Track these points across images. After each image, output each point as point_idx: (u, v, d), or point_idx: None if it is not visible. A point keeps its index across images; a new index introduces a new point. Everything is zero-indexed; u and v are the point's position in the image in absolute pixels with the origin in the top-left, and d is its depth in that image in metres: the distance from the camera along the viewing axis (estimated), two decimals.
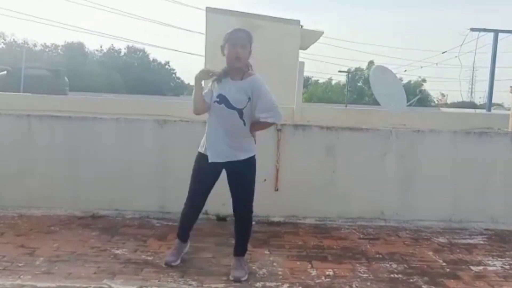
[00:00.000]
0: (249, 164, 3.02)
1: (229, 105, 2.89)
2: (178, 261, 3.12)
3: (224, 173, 3.09)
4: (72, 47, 46.55)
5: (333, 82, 49.46)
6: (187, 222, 3.23)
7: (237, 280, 2.90)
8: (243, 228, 3.13)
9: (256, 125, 2.99)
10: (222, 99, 2.91)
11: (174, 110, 6.57)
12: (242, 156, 2.98)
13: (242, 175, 3.02)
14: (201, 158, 3.06)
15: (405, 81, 42.52)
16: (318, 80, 49.63)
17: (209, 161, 2.98)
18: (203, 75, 2.97)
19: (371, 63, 44.89)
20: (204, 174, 3.07)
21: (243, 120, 2.92)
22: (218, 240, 3.61)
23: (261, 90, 2.90)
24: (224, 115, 2.92)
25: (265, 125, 3.04)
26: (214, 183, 3.10)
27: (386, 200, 4.44)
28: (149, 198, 4.34)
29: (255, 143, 3.08)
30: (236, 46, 2.85)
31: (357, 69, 46.55)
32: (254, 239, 3.73)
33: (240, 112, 2.90)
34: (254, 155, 3.05)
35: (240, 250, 3.11)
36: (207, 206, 4.25)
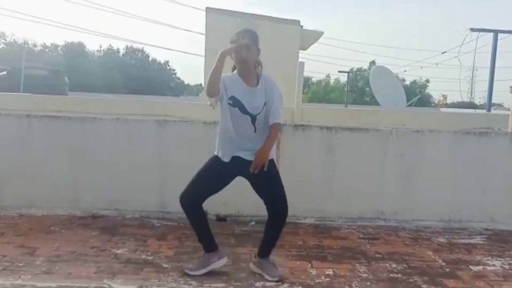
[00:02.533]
0: (271, 164, 2.91)
1: (244, 111, 2.86)
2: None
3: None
4: (72, 47, 46.56)
5: (331, 82, 49.50)
6: (201, 227, 3.05)
7: (281, 279, 2.90)
8: (280, 227, 3.00)
9: (264, 155, 2.84)
10: (236, 103, 2.85)
11: (174, 110, 6.58)
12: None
13: (267, 174, 2.88)
14: (218, 160, 2.97)
15: (408, 81, 42.54)
16: (319, 80, 49.67)
17: (225, 160, 2.90)
18: (232, 49, 2.80)
19: (372, 63, 44.93)
20: (214, 174, 2.97)
21: (255, 127, 2.88)
22: (218, 240, 3.58)
23: (274, 94, 2.89)
24: (237, 118, 2.86)
25: (272, 132, 2.90)
26: (220, 189, 3.00)
27: (386, 200, 4.45)
28: (149, 198, 4.34)
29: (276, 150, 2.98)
30: (241, 50, 2.82)
31: (358, 70, 46.56)
32: (254, 238, 3.74)
33: (254, 118, 2.87)
34: (273, 159, 2.97)
35: (269, 251, 3.05)
36: (207, 206, 4.27)
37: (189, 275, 2.94)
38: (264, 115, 2.89)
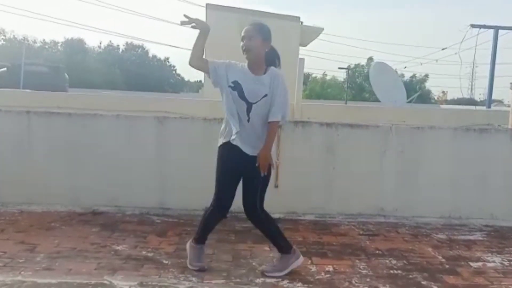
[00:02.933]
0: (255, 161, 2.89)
1: (242, 96, 2.85)
2: (206, 266, 3.02)
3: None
4: (71, 43, 46.48)
5: (328, 78, 49.41)
6: (214, 223, 3.09)
7: (263, 274, 2.95)
8: (263, 228, 3.08)
9: (266, 154, 2.86)
10: (237, 86, 2.86)
11: (174, 107, 6.58)
12: (250, 151, 2.89)
13: (253, 170, 2.88)
14: (231, 148, 2.89)
15: (407, 76, 42.49)
16: (315, 76, 49.58)
17: (237, 145, 2.87)
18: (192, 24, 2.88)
19: (370, 59, 44.82)
20: (234, 164, 2.92)
21: (248, 117, 2.85)
22: (219, 237, 3.61)
23: (278, 89, 2.86)
24: (234, 102, 2.87)
25: (270, 131, 2.88)
26: (240, 177, 2.98)
27: (385, 197, 4.45)
28: (149, 194, 4.35)
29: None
30: (243, 39, 2.87)
31: (356, 66, 46.46)
32: (254, 235, 3.74)
33: (249, 107, 2.84)
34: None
35: (278, 246, 3.07)
36: (207, 202, 4.28)
37: (189, 271, 2.94)
38: (261, 108, 2.86)
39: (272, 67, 2.94)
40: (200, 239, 3.08)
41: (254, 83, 2.87)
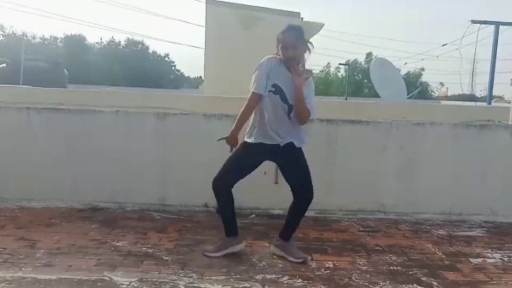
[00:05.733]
0: (301, 151, 3.13)
1: (285, 100, 2.97)
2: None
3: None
4: (71, 39, 46.39)
5: (331, 73, 49.38)
6: (229, 210, 3.18)
7: (305, 260, 3.09)
8: (304, 211, 3.20)
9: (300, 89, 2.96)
10: (278, 91, 2.96)
11: (174, 103, 6.57)
12: (296, 142, 3.08)
13: (295, 159, 3.09)
14: (249, 147, 3.07)
15: (403, 71, 42.46)
16: (316, 73, 49.51)
17: (256, 142, 3.03)
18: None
19: (369, 55, 44.75)
20: (246, 160, 3.09)
21: (289, 117, 3.01)
22: (219, 233, 3.61)
23: (310, 88, 3.07)
24: (275, 106, 2.98)
25: (304, 107, 3.00)
26: (249, 172, 3.12)
27: (386, 193, 4.45)
28: (149, 190, 4.34)
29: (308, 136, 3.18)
30: (288, 49, 2.94)
31: (353, 62, 46.38)
32: (254, 231, 3.75)
33: (290, 108, 2.98)
34: (301, 148, 3.14)
35: (291, 234, 3.24)
36: (207, 198, 4.29)
37: (189, 268, 2.94)
38: None
39: (310, 79, 3.09)
40: (226, 230, 3.22)
41: (294, 86, 2.96)
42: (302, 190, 3.12)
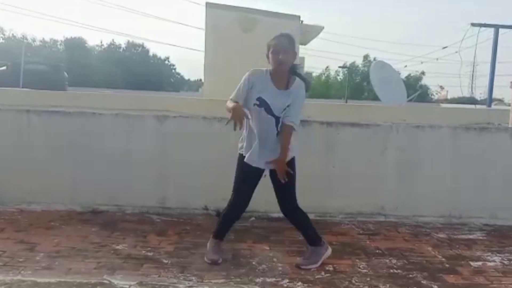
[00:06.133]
0: (291, 164, 3.06)
1: (269, 111, 2.93)
2: (221, 259, 3.11)
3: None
4: (72, 42, 46.47)
5: (331, 76, 49.48)
6: (229, 222, 3.21)
7: (298, 266, 3.07)
8: (299, 224, 3.21)
9: (283, 161, 2.98)
10: (263, 103, 2.93)
11: (174, 106, 6.58)
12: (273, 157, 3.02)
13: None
14: (243, 159, 3.04)
15: (404, 74, 42.56)
16: (318, 75, 49.57)
17: (250, 163, 3.00)
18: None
19: (366, 57, 44.80)
20: (247, 175, 3.07)
21: (277, 129, 2.97)
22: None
23: (299, 101, 3.00)
24: (262, 120, 2.95)
25: (284, 136, 3.00)
26: (257, 183, 3.12)
27: (386, 196, 4.44)
28: (149, 193, 4.34)
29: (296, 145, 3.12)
30: (278, 53, 2.90)
31: (352, 64, 46.45)
32: (254, 234, 3.74)
33: (277, 120, 2.95)
34: (294, 157, 3.11)
35: (311, 241, 3.21)
36: (207, 201, 4.29)
37: (189, 271, 2.94)
38: (284, 115, 2.97)
39: (297, 78, 3.03)
40: (217, 234, 3.20)
41: (280, 98, 2.95)
42: (281, 200, 3.13)
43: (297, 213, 3.18)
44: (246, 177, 3.07)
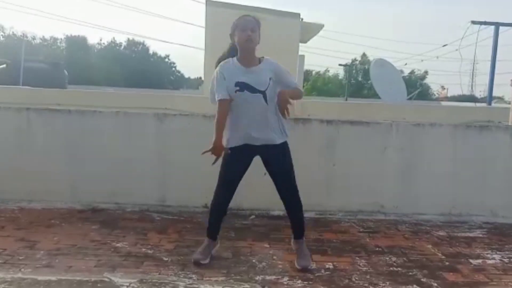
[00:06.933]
0: (284, 148, 3.07)
1: (253, 90, 2.90)
2: (207, 260, 3.06)
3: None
4: (73, 40, 46.42)
5: (326, 75, 49.43)
6: (216, 218, 3.16)
7: (304, 268, 2.99)
8: (295, 214, 3.18)
9: (288, 93, 2.93)
10: (243, 86, 2.89)
11: (174, 104, 6.57)
12: (277, 140, 3.01)
13: (280, 157, 3.04)
14: (228, 154, 3.01)
15: (406, 73, 42.52)
16: (319, 71, 49.56)
17: (233, 145, 2.98)
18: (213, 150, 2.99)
19: (364, 56, 44.76)
20: (230, 166, 3.04)
21: (267, 103, 2.92)
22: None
23: (281, 68, 3.02)
24: (248, 101, 2.91)
25: (296, 92, 3.06)
26: (241, 175, 3.09)
27: (386, 194, 4.45)
28: (149, 191, 4.34)
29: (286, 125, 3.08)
30: (246, 30, 2.89)
31: (353, 62, 46.40)
32: (254, 232, 3.75)
33: (264, 94, 2.91)
34: (286, 142, 3.08)
35: (300, 233, 3.18)
36: (207, 199, 4.28)
37: (189, 268, 2.94)
38: (272, 90, 2.93)
39: (266, 57, 3.02)
40: (208, 232, 3.18)
41: (256, 74, 2.93)
42: (282, 186, 3.11)
43: (296, 198, 3.16)
44: (230, 164, 3.03)
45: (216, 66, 3.04)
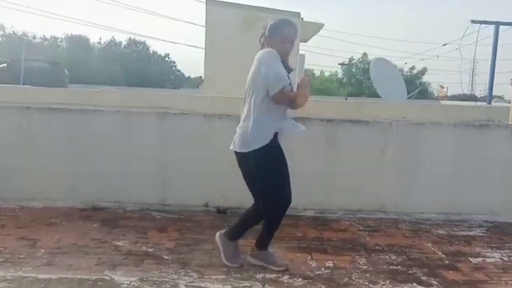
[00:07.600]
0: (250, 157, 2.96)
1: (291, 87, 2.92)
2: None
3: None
4: (72, 39, 46.42)
5: (327, 74, 49.50)
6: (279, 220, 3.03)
7: (287, 268, 2.98)
8: (268, 220, 3.02)
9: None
10: (290, 82, 2.90)
11: (175, 103, 6.58)
12: (293, 129, 3.13)
13: (249, 164, 2.96)
14: (277, 147, 2.92)
15: (405, 70, 42.52)
16: (320, 71, 49.60)
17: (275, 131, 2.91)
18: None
19: (364, 55, 44.73)
20: (283, 162, 2.96)
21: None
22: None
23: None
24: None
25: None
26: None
27: (386, 193, 4.45)
28: (150, 190, 4.35)
29: None
30: (290, 45, 2.91)
31: (352, 61, 46.37)
32: (254, 231, 3.74)
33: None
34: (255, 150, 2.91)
35: (267, 244, 3.08)
36: (207, 199, 4.31)
37: (190, 267, 2.95)
38: None
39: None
40: (238, 236, 3.10)
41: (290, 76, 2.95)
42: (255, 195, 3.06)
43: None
44: (283, 161, 2.95)
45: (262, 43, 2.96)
